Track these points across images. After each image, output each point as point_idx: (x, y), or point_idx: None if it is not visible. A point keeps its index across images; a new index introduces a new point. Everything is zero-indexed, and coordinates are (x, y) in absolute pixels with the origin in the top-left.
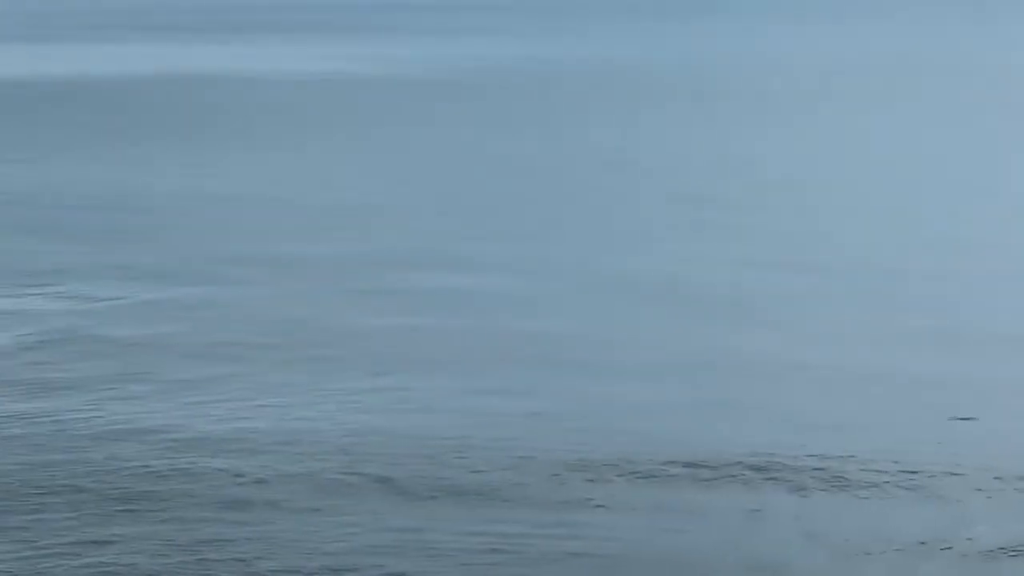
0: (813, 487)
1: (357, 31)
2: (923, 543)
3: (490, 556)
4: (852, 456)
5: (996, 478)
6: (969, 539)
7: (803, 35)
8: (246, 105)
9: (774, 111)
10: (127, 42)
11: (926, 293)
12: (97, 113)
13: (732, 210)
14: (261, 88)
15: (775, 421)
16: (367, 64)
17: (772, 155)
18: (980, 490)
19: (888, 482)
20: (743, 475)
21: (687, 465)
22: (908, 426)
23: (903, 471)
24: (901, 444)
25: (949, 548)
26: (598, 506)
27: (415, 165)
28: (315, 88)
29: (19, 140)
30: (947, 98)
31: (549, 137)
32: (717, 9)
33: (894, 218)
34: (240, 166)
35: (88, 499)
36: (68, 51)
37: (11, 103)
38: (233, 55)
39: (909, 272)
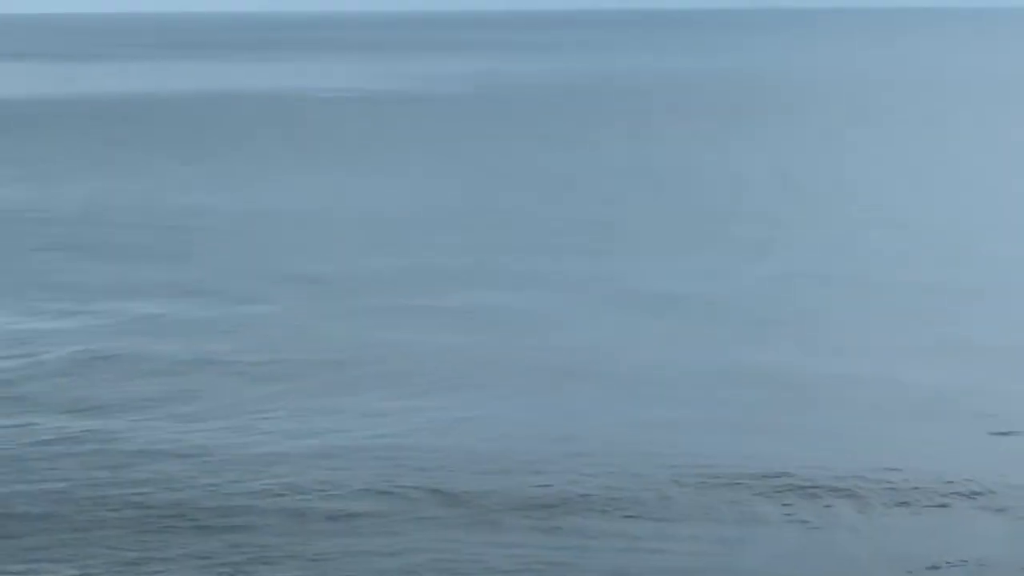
0: (872, 501)
1: (379, 49)
2: (991, 557)
3: (548, 570)
4: (899, 470)
5: None
6: None
7: (816, 50)
8: (273, 122)
9: (799, 126)
10: (154, 59)
11: (954, 307)
12: (128, 130)
13: (760, 224)
14: (287, 105)
15: (820, 437)
16: (391, 81)
17: (801, 169)
18: None
19: (944, 496)
20: (799, 490)
21: (733, 481)
22: (949, 441)
23: (954, 485)
24: (946, 458)
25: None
26: (659, 519)
27: (449, 181)
28: (341, 105)
29: (51, 157)
30: (971, 114)
31: (571, 150)
32: (695, 23)
33: (920, 231)
34: (271, 183)
35: (137, 516)
36: (97, 69)
37: (44, 120)
38: (259, 73)
39: (938, 286)
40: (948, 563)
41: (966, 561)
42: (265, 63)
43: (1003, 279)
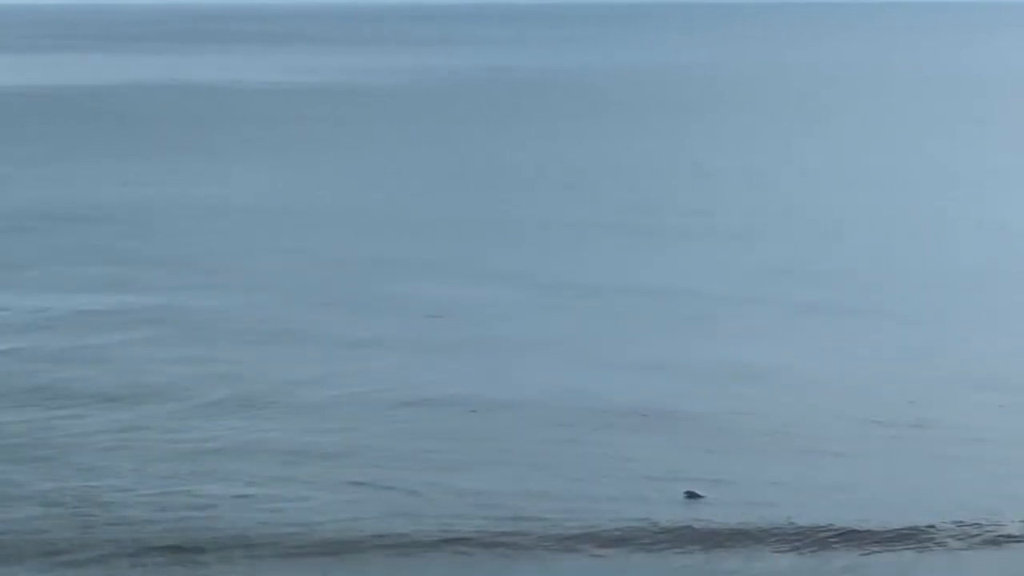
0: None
1: (345, 42)
2: None
3: None
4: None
5: None
6: None
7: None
8: (235, 114)
9: (733, 120)
10: (84, 51)
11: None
12: (89, 123)
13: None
14: (249, 98)
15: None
16: (356, 75)
17: (722, 162)
18: None
19: None
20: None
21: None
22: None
23: None
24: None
25: None
26: None
27: (407, 173)
28: (302, 97)
29: (9, 150)
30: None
31: (529, 146)
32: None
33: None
34: (229, 175)
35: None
36: (57, 61)
37: (3, 113)
38: (220, 65)
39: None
40: None
41: None
42: (196, 56)
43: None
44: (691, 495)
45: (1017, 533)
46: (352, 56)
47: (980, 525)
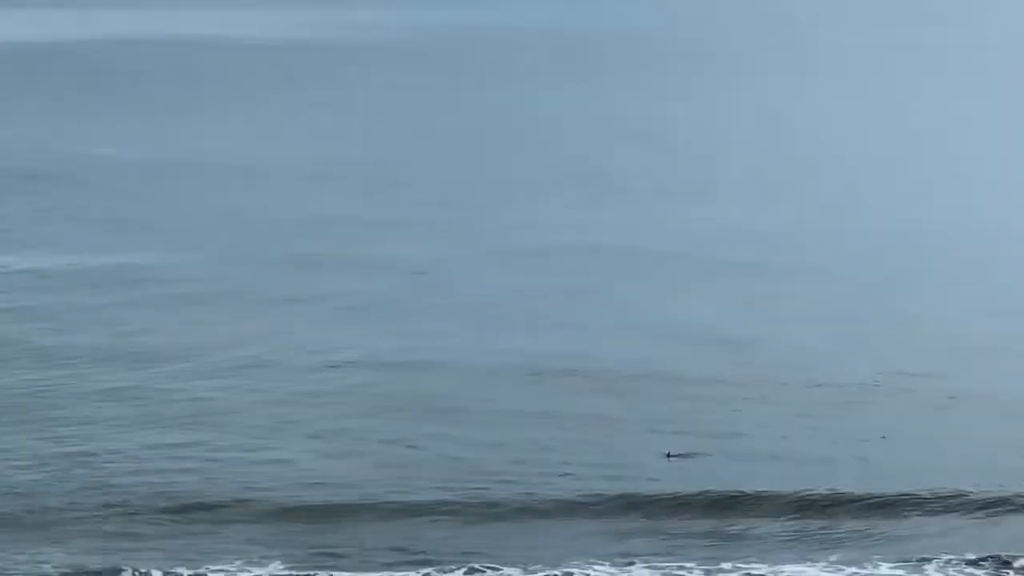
0: None
1: None
2: None
3: None
4: None
5: None
6: None
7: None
8: (205, 69)
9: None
10: (87, 7)
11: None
12: (59, 78)
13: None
14: (222, 53)
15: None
16: (328, 30)
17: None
18: None
19: None
20: None
21: None
22: None
23: None
24: None
25: None
26: None
27: (373, 129)
28: (275, 53)
29: None
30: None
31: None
32: None
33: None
34: (197, 131)
35: None
36: (28, 15)
37: None
38: (194, 20)
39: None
40: None
41: None
42: (194, 10)
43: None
44: (671, 456)
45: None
46: (331, 11)
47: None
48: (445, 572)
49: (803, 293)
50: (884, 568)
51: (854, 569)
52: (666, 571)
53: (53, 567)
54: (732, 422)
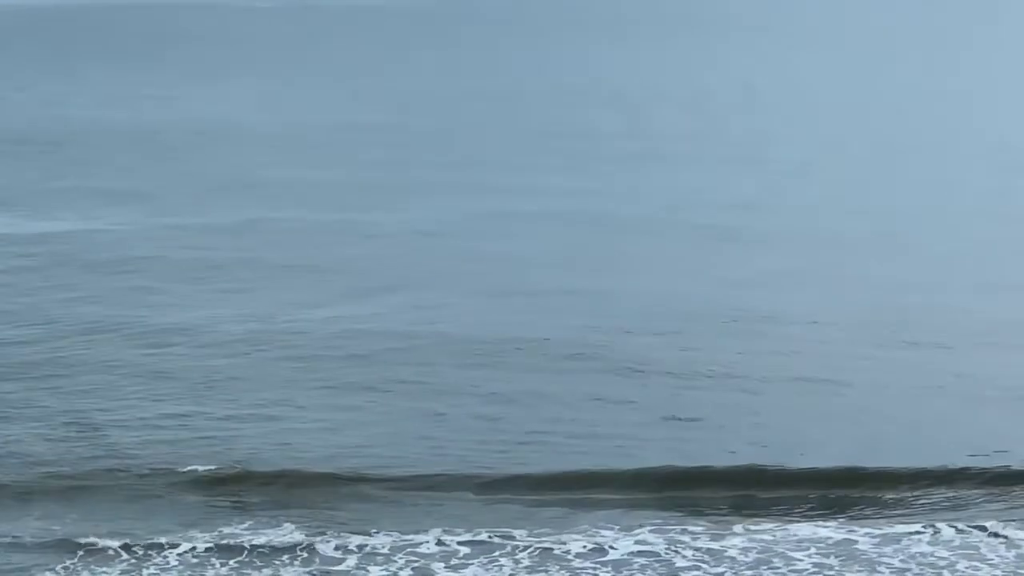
0: None
1: None
2: None
3: None
4: None
5: None
6: None
7: None
8: (206, 32)
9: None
10: None
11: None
12: (62, 41)
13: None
14: (221, 15)
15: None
16: None
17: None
18: None
19: None
20: None
21: None
22: None
23: None
24: None
25: None
26: None
27: (375, 92)
28: (275, 16)
29: None
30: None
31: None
32: None
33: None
34: (200, 93)
35: None
36: None
37: None
38: None
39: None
40: None
41: None
42: None
43: None
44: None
45: None
46: None
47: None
48: (455, 536)
49: (785, 259)
50: (898, 527)
51: (868, 529)
52: (671, 536)
53: (65, 535)
54: (730, 396)
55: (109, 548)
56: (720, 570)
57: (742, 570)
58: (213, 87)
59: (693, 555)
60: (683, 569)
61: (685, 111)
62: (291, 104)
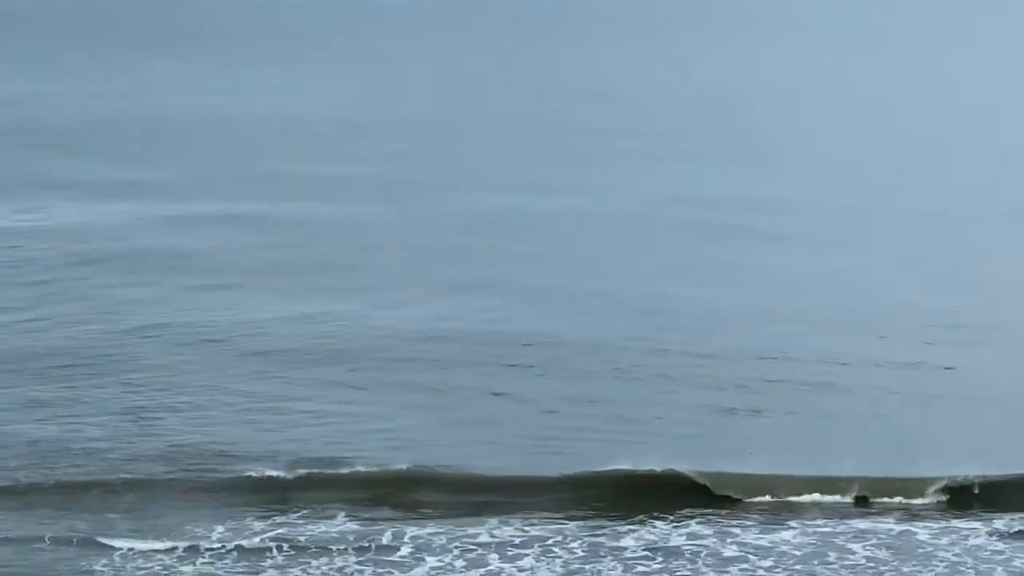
0: None
1: None
2: None
3: None
4: None
5: None
6: None
7: None
8: (240, 21)
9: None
10: None
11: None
12: (97, 29)
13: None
14: (256, 5)
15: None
16: None
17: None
18: None
19: None
20: None
21: None
22: None
23: None
24: None
25: None
26: None
27: (408, 86)
28: (311, 6)
29: (18, 56)
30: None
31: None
32: None
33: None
34: (236, 83)
35: None
36: None
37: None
38: None
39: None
40: None
41: None
42: None
43: None
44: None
45: None
46: None
47: None
48: (508, 527)
49: (780, 261)
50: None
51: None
52: (721, 528)
53: (123, 530)
54: (722, 399)
55: (167, 541)
56: (768, 563)
57: (791, 564)
58: (268, 77)
59: (739, 549)
60: (731, 560)
61: (689, 108)
62: (320, 95)
